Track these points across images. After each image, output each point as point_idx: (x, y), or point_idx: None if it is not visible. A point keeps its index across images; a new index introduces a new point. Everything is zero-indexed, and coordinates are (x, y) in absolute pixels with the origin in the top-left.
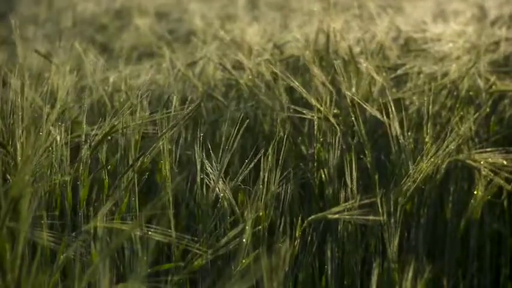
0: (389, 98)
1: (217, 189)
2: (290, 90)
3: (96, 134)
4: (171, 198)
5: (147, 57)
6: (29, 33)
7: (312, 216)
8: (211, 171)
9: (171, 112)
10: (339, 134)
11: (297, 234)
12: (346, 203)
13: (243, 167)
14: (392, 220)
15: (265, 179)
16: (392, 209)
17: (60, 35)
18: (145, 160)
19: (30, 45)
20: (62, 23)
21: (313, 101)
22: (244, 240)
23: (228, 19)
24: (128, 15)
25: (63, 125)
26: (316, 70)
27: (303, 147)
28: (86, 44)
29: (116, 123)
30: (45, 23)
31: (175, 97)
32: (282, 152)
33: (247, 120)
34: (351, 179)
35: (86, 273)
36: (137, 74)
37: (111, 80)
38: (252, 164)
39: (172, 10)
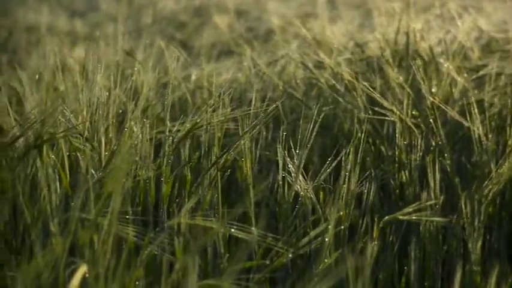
0: (472, 99)
1: (298, 187)
2: (368, 91)
3: (179, 131)
4: (253, 197)
5: (226, 55)
6: (109, 30)
7: (389, 216)
8: (293, 169)
9: (252, 110)
10: (419, 135)
11: (374, 235)
12: (427, 203)
13: (324, 166)
14: (476, 222)
15: (347, 178)
16: (475, 211)
17: (140, 32)
18: (228, 157)
19: (110, 42)
20: (141, 21)
21: (389, 103)
22: (326, 239)
23: (307, 18)
24: (207, 13)
25: (148, 121)
26: (392, 72)
27: (382, 148)
28: (166, 42)
29: (198, 120)
30: (125, 21)
31: (256, 95)
32: (360, 152)
33: (327, 119)
34: (434, 180)
35: (173, 269)
36: (218, 71)
37: (193, 77)
38: (334, 163)
39: (252, 8)
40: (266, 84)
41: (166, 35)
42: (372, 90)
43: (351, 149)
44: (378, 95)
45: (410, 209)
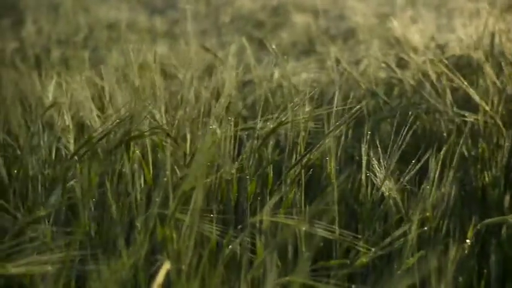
0: None
1: (382, 188)
2: (452, 91)
3: (263, 129)
4: (335, 195)
5: (305, 54)
6: (188, 28)
7: (488, 220)
8: (378, 169)
9: (335, 109)
10: (506, 135)
11: (468, 237)
12: None
13: (409, 167)
14: None
15: (433, 179)
16: None
17: (219, 30)
18: (311, 156)
19: (190, 40)
20: (220, 19)
21: (482, 102)
22: (409, 240)
23: (387, 17)
24: (285, 12)
25: (231, 119)
26: (488, 69)
27: (464, 148)
28: (244, 40)
29: (283, 119)
30: (203, 19)
31: (339, 94)
32: (442, 153)
33: (409, 119)
34: None
35: (252, 266)
36: (298, 70)
37: (275, 75)
38: (420, 164)
39: (331, 7)
40: (348, 84)
41: (245, 34)
42: (467, 86)
43: (437, 150)
44: (472, 91)
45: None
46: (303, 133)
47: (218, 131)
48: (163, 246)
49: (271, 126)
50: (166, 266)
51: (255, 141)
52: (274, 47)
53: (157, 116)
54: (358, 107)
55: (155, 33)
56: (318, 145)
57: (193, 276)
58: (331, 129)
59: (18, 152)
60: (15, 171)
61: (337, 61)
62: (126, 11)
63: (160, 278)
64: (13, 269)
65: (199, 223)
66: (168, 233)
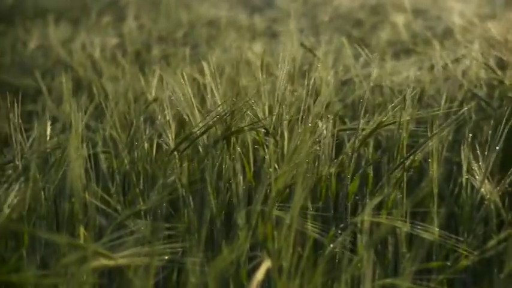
0: None
1: (483, 190)
2: None
3: (364, 129)
4: (435, 198)
5: (404, 54)
6: (286, 26)
7: None
8: (478, 172)
9: (439, 111)
10: None
11: None
12: None
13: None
14: None
15: None
16: None
17: (317, 29)
18: (415, 158)
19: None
20: (318, 18)
21: None
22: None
23: (486, 18)
24: (384, 11)
25: (331, 118)
26: None
27: None
28: (342, 39)
29: (383, 119)
30: (302, 17)
31: (442, 95)
32: None
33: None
34: None
35: (351, 265)
36: (398, 70)
37: (373, 75)
38: None
39: (429, 7)
40: (448, 84)
41: (343, 33)
42: None
43: None
44: None
45: None
46: (404, 134)
47: (318, 129)
48: (263, 243)
49: (373, 126)
50: (267, 264)
51: (356, 141)
52: (372, 46)
53: (259, 113)
54: (463, 110)
55: (254, 31)
56: (421, 147)
57: (294, 275)
58: (435, 131)
59: (120, 146)
60: (117, 165)
61: (439, 61)
62: (225, 9)
63: (260, 275)
64: (116, 260)
65: (299, 221)
66: (268, 230)
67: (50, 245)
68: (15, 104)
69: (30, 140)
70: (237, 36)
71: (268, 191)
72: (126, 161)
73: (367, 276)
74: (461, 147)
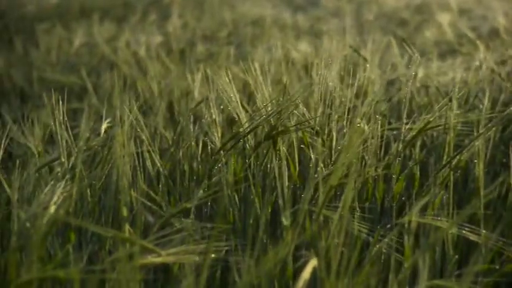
0: None
1: None
2: None
3: (411, 129)
4: (482, 200)
5: (449, 54)
6: (330, 25)
7: None
8: None
9: (483, 112)
10: None
11: None
12: None
13: None
14: None
15: None
16: None
17: (362, 28)
18: (461, 158)
19: (333, 37)
20: (362, 17)
21: None
22: None
23: None
24: (429, 11)
25: (378, 117)
26: None
27: None
28: (387, 39)
29: (431, 119)
30: (346, 16)
31: (485, 96)
32: None
33: None
34: None
35: (400, 268)
36: (443, 70)
37: (419, 75)
38: None
39: (475, 7)
40: (495, 85)
41: (388, 32)
42: None
43: None
44: None
45: None
46: (451, 134)
47: (365, 129)
48: (310, 242)
49: (420, 126)
50: (313, 263)
51: (402, 141)
52: (417, 46)
53: (305, 113)
54: (508, 110)
55: (298, 30)
56: (467, 147)
57: (342, 274)
58: (481, 131)
59: (166, 145)
60: (163, 163)
61: (484, 61)
62: (269, 8)
63: (306, 274)
64: (163, 257)
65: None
66: (315, 229)
67: (96, 241)
68: (61, 102)
69: (77, 137)
70: (281, 36)
71: (315, 190)
72: (172, 159)
73: (419, 278)
74: (510, 148)
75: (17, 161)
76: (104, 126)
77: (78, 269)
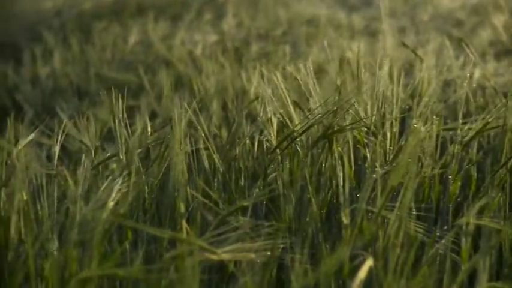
0: None
1: None
2: None
3: (469, 129)
4: None
5: (506, 54)
6: (385, 25)
7: None
8: None
9: None
10: None
11: None
12: None
13: None
14: None
15: None
16: None
17: (417, 28)
18: None
19: (388, 37)
20: (417, 17)
21: None
22: None
23: None
24: (485, 12)
25: (435, 118)
26: None
27: None
28: (443, 39)
29: (489, 120)
30: (401, 16)
31: None
32: None
33: None
34: None
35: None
36: (500, 71)
37: (475, 76)
38: None
39: None
40: None
41: (443, 32)
42: None
43: None
44: None
45: None
46: (508, 135)
47: (422, 129)
48: (368, 242)
49: (478, 127)
50: (369, 262)
51: (460, 142)
52: (472, 46)
53: (361, 112)
54: None
55: (353, 29)
56: None
57: (399, 275)
58: None
59: (222, 143)
60: (218, 162)
61: None
62: (324, 8)
63: (362, 273)
64: (220, 255)
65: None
66: (374, 229)
67: (153, 239)
68: (120, 99)
69: (134, 134)
70: (336, 35)
71: (376, 190)
72: (227, 158)
73: (479, 281)
74: None
75: (73, 158)
76: (159, 123)
77: (138, 267)
